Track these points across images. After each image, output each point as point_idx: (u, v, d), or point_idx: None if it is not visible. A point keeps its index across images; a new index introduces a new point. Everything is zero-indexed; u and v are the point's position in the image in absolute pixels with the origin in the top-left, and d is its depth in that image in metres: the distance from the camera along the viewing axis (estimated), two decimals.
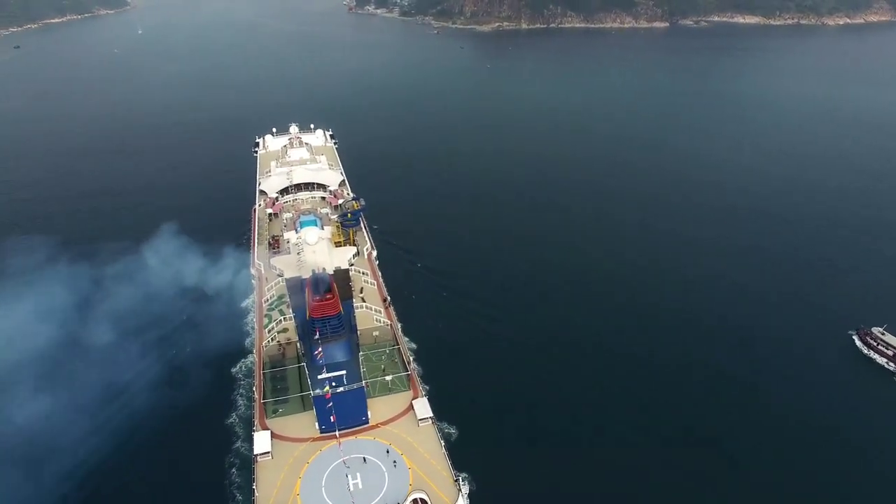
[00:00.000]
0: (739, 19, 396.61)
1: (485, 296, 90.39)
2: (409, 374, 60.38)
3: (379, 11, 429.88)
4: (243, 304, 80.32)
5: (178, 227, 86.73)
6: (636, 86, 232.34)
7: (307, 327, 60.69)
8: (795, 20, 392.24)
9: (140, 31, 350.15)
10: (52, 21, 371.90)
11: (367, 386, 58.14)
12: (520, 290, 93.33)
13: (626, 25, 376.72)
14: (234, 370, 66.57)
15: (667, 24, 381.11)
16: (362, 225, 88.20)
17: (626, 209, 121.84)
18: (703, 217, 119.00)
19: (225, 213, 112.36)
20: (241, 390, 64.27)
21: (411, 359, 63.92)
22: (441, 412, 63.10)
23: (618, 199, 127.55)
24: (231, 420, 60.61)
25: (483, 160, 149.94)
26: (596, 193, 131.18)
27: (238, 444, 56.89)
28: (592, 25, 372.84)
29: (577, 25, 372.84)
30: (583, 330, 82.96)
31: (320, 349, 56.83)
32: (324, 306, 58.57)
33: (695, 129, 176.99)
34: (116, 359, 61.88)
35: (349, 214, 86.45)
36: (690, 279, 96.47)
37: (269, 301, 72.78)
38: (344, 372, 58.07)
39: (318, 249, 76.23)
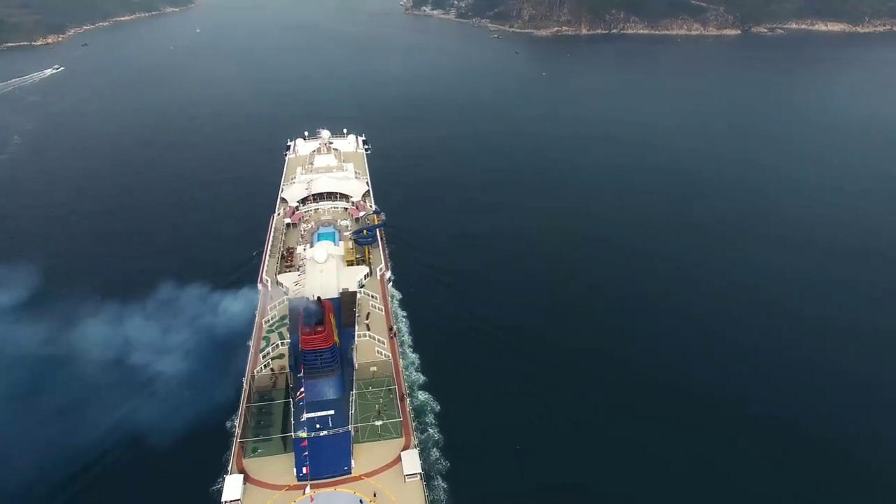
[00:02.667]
0: (821, 27, 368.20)
1: (524, 347, 77.91)
2: (403, 420, 54.46)
3: (435, 13, 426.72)
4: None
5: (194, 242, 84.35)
6: (704, 99, 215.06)
7: (298, 359, 55.91)
8: (888, 26, 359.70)
9: (198, 30, 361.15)
10: (122, 19, 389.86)
11: (357, 431, 52.79)
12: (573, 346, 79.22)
13: (693, 32, 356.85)
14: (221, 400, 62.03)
15: (738, 32, 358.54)
16: (379, 242, 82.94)
17: (702, 238, 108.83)
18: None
19: (250, 220, 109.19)
20: (226, 422, 59.69)
21: (409, 401, 57.85)
22: (436, 464, 56.98)
23: (690, 225, 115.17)
24: (208, 456, 55.81)
25: (531, 177, 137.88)
26: (661, 219, 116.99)
27: (213, 485, 52.35)
28: (657, 32, 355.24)
29: (641, 32, 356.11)
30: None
31: (302, 390, 51.65)
32: (315, 339, 53.51)
33: (777, 150, 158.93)
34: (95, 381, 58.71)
35: (365, 231, 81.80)
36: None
37: (271, 322, 68.64)
38: (332, 412, 52.91)
39: (325, 269, 71.57)
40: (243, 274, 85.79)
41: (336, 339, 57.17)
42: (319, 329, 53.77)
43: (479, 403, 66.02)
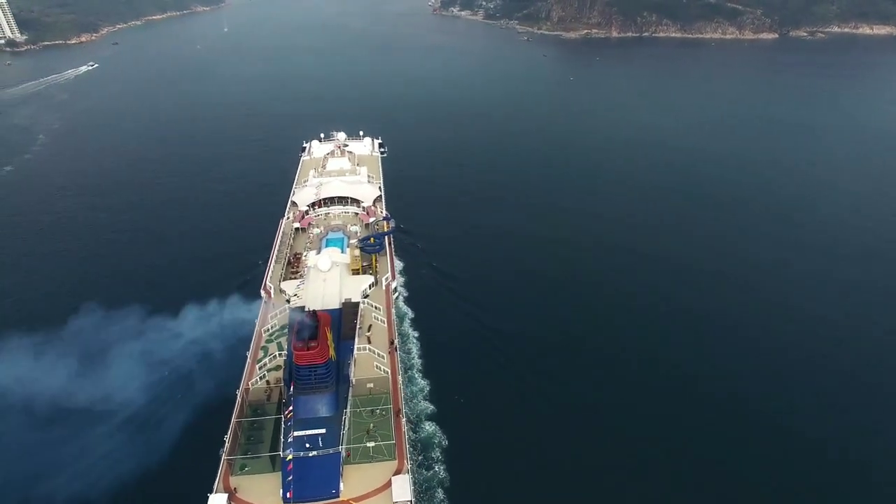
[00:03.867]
0: (865, 30, 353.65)
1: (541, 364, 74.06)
2: (396, 442, 51.88)
3: (463, 13, 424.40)
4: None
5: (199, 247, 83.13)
6: (739, 107, 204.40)
7: (292, 372, 53.88)
8: None
9: (225, 29, 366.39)
10: (154, 18, 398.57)
11: (349, 455, 50.39)
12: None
13: (727, 37, 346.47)
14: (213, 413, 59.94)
15: (775, 36, 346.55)
16: (387, 250, 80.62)
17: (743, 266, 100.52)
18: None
19: (263, 223, 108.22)
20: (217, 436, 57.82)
21: (405, 421, 55.21)
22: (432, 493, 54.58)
23: (721, 236, 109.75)
24: (196, 472, 53.73)
25: (555, 186, 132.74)
26: (694, 230, 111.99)
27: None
28: (690, 36, 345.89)
29: (673, 35, 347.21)
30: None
31: (290, 409, 49.53)
32: (308, 355, 51.35)
33: (820, 159, 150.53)
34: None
35: (372, 239, 79.57)
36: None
37: (271, 331, 66.79)
38: (323, 431, 50.69)
39: (329, 277, 69.55)
40: (252, 277, 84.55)
41: (332, 353, 54.92)
42: (313, 344, 51.48)
43: (493, 440, 61.70)
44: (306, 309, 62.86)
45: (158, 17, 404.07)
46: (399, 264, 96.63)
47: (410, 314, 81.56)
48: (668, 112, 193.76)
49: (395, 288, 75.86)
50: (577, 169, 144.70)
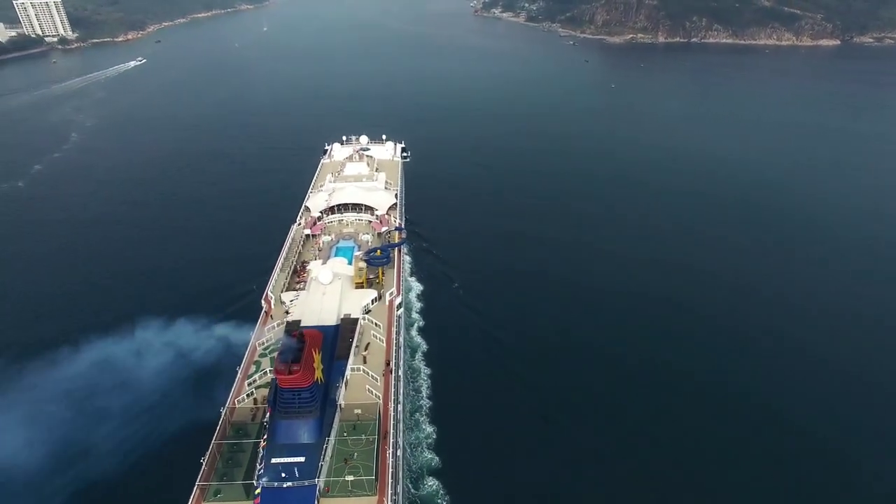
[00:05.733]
0: None
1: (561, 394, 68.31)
2: (380, 476, 48.03)
3: (504, 15, 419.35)
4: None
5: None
6: (800, 123, 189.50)
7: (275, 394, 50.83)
8: None
9: (265, 28, 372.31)
10: (199, 16, 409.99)
11: (328, 489, 46.92)
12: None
13: (783, 43, 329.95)
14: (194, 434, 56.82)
15: (837, 42, 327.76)
16: (395, 263, 76.91)
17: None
18: None
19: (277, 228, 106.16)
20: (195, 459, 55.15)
21: (390, 453, 51.26)
22: None
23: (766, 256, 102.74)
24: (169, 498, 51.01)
25: (586, 204, 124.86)
26: (742, 254, 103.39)
27: None
28: (742, 42, 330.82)
29: (724, 41, 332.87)
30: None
31: (265, 437, 46.36)
32: (289, 379, 48.13)
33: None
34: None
35: (379, 251, 76.03)
36: None
37: (265, 344, 63.97)
38: (302, 459, 47.29)
39: (329, 291, 66.29)
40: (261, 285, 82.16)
41: (319, 375, 51.57)
42: (295, 368, 48.10)
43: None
44: (300, 324, 60.31)
45: (204, 14, 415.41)
46: (417, 286, 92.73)
47: (424, 346, 75.79)
48: (718, 123, 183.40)
49: (400, 304, 72.01)
50: (619, 183, 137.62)
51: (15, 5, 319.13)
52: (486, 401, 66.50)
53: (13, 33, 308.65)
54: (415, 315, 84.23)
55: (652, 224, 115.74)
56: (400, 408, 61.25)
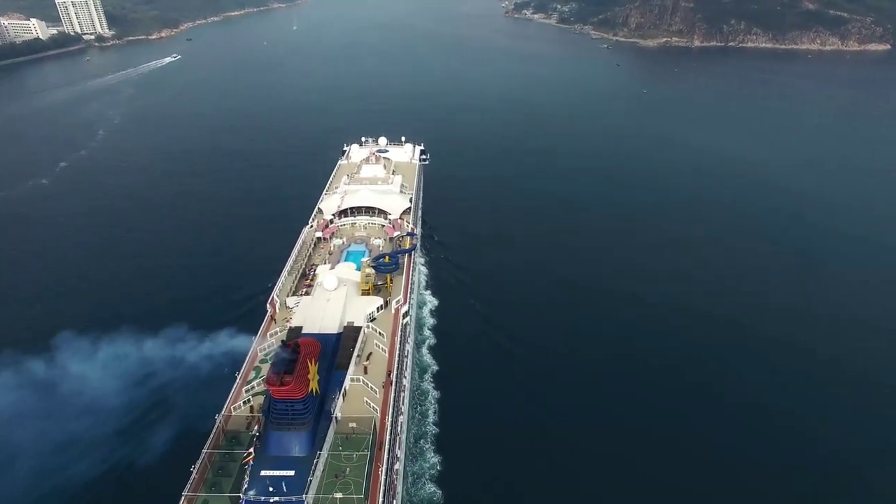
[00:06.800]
0: None
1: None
2: (371, 494, 45.98)
3: (536, 17, 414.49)
4: None
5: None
6: (851, 138, 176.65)
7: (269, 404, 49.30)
8: None
9: (295, 27, 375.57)
10: (232, 14, 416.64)
11: None
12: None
13: (827, 48, 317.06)
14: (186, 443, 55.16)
15: (887, 47, 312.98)
16: (404, 269, 74.86)
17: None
18: None
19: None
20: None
21: (383, 470, 49.06)
22: None
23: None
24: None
25: (611, 216, 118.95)
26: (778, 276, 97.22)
27: None
28: (782, 46, 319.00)
29: (763, 46, 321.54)
30: None
31: (250, 451, 44.76)
32: (281, 391, 46.50)
33: None
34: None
35: (387, 258, 74.03)
36: None
37: (267, 349, 62.69)
38: (291, 473, 45.66)
39: (333, 297, 64.56)
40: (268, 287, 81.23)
41: (315, 386, 49.85)
42: (287, 379, 46.45)
43: None
44: (302, 331, 58.87)
45: (237, 13, 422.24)
46: (432, 301, 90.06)
47: (434, 367, 72.44)
48: (754, 134, 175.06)
49: (406, 312, 69.90)
50: (644, 191, 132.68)
51: (56, 4, 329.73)
52: (499, 433, 61.33)
53: (54, 31, 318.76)
54: (427, 332, 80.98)
55: (683, 235, 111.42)
56: (402, 419, 59.18)
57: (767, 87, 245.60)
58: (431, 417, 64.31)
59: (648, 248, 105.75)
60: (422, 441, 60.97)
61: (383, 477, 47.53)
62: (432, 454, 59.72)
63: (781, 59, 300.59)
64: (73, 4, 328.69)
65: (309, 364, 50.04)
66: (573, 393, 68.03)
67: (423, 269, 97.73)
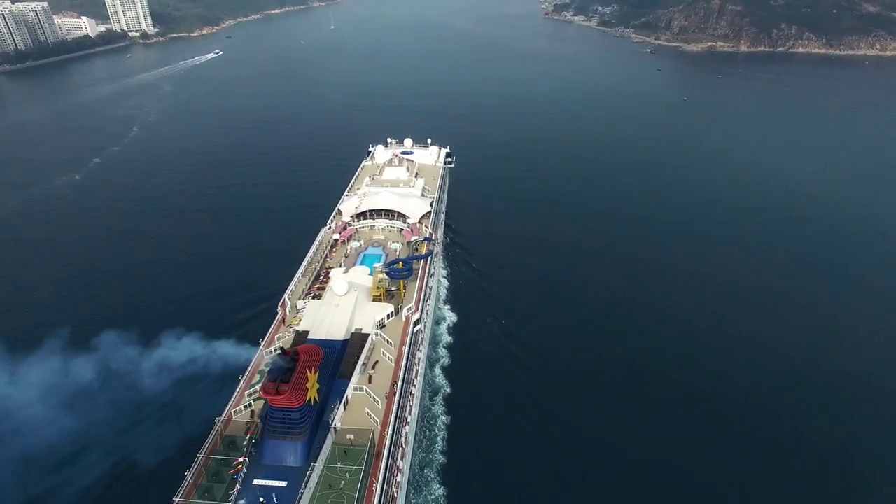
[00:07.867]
0: None
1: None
2: None
3: (576, 19, 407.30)
4: None
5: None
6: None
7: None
8: None
9: (332, 26, 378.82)
10: (273, 12, 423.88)
11: None
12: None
13: (887, 53, 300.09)
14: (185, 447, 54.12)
15: None
16: (420, 276, 72.75)
17: None
18: None
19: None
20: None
21: (378, 486, 46.99)
22: None
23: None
24: None
25: (643, 232, 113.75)
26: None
27: None
28: (836, 52, 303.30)
29: (815, 51, 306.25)
30: None
31: (241, 460, 43.40)
32: (276, 400, 45.10)
33: None
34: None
35: (400, 263, 72.01)
36: None
37: (273, 352, 61.69)
38: (284, 484, 44.32)
39: (342, 303, 62.98)
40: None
41: (314, 395, 48.36)
42: (284, 388, 45.01)
43: None
44: (308, 335, 57.62)
45: (277, 11, 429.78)
46: (451, 317, 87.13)
47: (447, 389, 69.36)
48: (803, 148, 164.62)
49: (417, 321, 67.75)
50: (679, 205, 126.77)
51: (105, 2, 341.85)
52: (513, 474, 57.14)
53: (102, 28, 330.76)
54: (442, 351, 77.85)
55: (720, 247, 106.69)
56: (407, 430, 57.19)
57: (820, 93, 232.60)
58: (439, 445, 61.28)
59: (690, 264, 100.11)
60: (427, 470, 58.01)
61: (378, 493, 45.55)
62: (437, 485, 56.83)
63: (835, 65, 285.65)
64: (121, 2, 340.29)
65: (308, 372, 48.54)
66: (604, 437, 61.28)
67: (444, 282, 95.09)
